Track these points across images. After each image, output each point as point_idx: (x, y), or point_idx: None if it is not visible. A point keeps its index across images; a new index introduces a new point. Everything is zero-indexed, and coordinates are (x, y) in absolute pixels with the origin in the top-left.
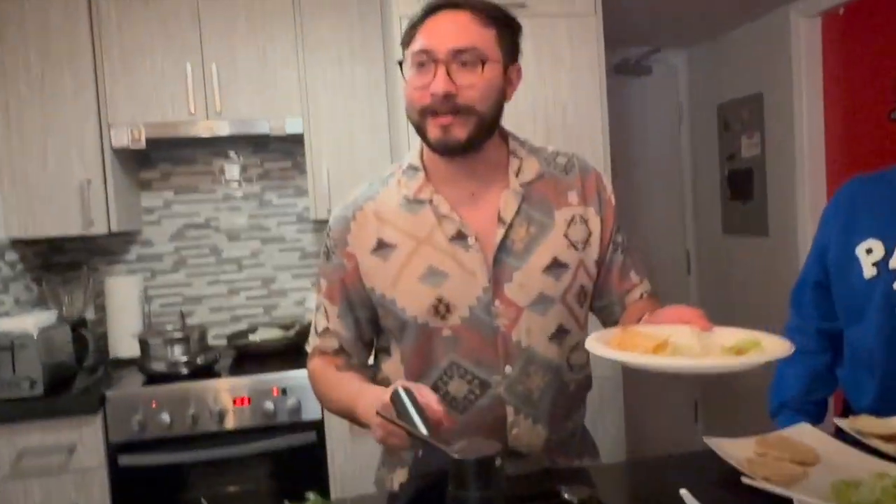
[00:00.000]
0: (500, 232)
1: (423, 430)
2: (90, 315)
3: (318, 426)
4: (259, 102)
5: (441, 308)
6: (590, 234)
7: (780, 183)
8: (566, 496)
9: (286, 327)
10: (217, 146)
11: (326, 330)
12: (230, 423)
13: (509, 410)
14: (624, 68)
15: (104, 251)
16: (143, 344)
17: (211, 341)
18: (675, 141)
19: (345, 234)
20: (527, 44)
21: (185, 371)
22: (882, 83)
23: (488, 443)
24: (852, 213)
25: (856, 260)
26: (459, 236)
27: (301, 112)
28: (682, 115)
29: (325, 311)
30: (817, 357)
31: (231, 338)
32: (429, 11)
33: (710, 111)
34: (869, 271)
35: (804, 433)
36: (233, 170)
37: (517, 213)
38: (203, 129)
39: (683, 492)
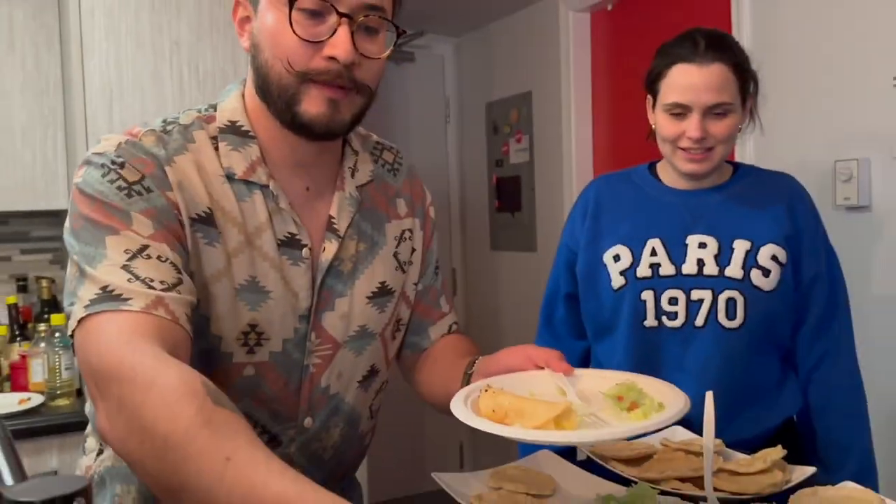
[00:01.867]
0: (333, 246)
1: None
2: None
3: None
4: None
5: (252, 337)
6: (413, 252)
7: (549, 192)
8: None
9: None
10: None
11: (178, 284)
12: None
13: None
14: None
15: None
16: None
17: None
18: (441, 143)
19: (160, 173)
20: None
21: None
22: (639, 105)
23: (75, 478)
24: (598, 215)
25: (603, 269)
26: (292, 243)
27: None
28: (448, 114)
29: (161, 259)
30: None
31: None
32: None
33: (478, 110)
34: (616, 282)
35: (544, 461)
36: None
37: (349, 223)
38: None
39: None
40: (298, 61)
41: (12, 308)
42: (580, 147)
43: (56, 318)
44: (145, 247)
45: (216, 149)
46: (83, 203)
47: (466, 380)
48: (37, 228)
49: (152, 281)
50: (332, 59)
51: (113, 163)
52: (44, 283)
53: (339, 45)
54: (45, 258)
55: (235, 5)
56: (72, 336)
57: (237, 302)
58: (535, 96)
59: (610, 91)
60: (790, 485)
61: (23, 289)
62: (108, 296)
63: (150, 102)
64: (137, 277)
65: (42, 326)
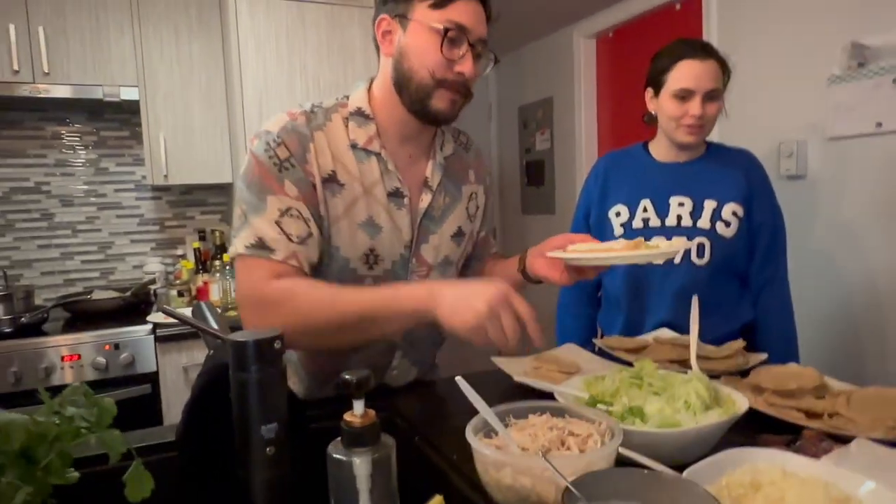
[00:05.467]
0: (428, 198)
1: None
2: None
3: (152, 378)
4: (92, 69)
5: (371, 258)
6: (477, 209)
7: (564, 171)
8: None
9: (123, 290)
10: (48, 111)
11: (308, 237)
12: (58, 380)
13: (397, 354)
14: None
15: None
16: None
17: (41, 302)
18: (486, 135)
19: (304, 151)
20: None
21: (8, 329)
22: (639, 91)
23: (271, 329)
24: (606, 182)
25: (608, 221)
26: (397, 194)
27: (137, 81)
28: (491, 114)
29: (301, 217)
30: (588, 308)
31: (62, 298)
32: None
33: (512, 111)
34: (617, 231)
35: (570, 351)
36: (66, 135)
37: (439, 182)
38: (35, 90)
39: (458, 378)
40: (439, 72)
41: (196, 251)
42: (588, 137)
43: (225, 258)
44: (290, 207)
45: (346, 126)
46: (254, 165)
47: (522, 263)
48: (210, 196)
49: (292, 235)
50: (460, 73)
51: (273, 141)
52: (216, 234)
53: (467, 65)
54: (216, 217)
55: (380, 21)
56: (231, 260)
57: (359, 233)
58: (556, 101)
59: (610, 95)
60: (749, 366)
61: (202, 238)
62: (261, 245)
63: (287, 107)
64: (283, 232)
65: (216, 263)
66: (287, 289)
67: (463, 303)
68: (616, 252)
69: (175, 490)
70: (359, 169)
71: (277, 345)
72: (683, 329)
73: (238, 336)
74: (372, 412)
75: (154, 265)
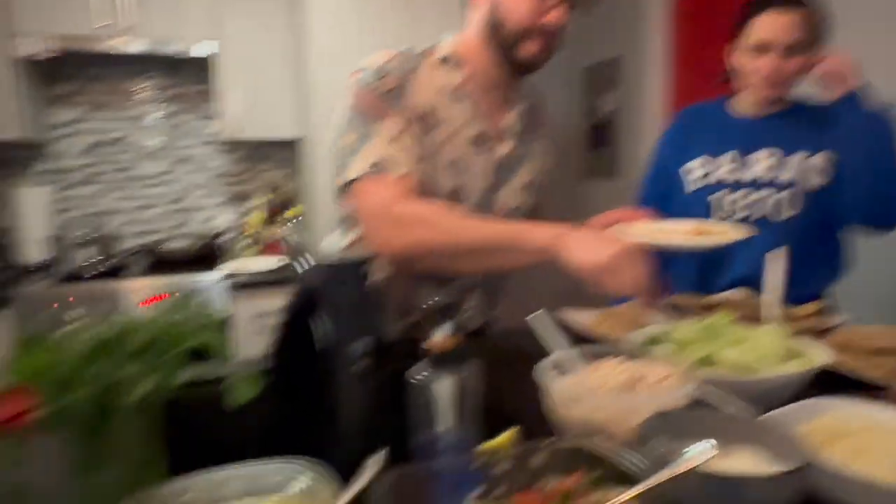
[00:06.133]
0: (507, 146)
1: None
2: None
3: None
4: (172, 23)
5: (454, 197)
6: (543, 164)
7: (629, 134)
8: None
9: (197, 240)
10: (129, 66)
11: (418, 162)
12: None
13: (475, 294)
14: None
15: (12, 161)
16: (53, 246)
17: (122, 250)
18: (548, 97)
19: (404, 86)
20: None
21: (95, 272)
22: (720, 48)
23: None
24: (686, 135)
25: (685, 175)
26: (481, 139)
27: (214, 35)
28: (555, 75)
29: (410, 142)
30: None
31: (141, 247)
32: None
33: (576, 72)
34: (693, 186)
35: (636, 307)
36: (145, 90)
37: (518, 132)
38: (113, 45)
39: (539, 314)
40: (530, 19)
41: (265, 204)
42: (658, 99)
43: (290, 212)
44: (399, 134)
45: (437, 70)
46: (360, 96)
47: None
48: (279, 152)
49: (404, 159)
50: (551, 21)
51: (378, 74)
52: (283, 189)
53: (558, 13)
54: (284, 173)
55: None
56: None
57: (444, 174)
58: (624, 60)
59: (687, 54)
60: (827, 326)
61: (273, 191)
62: (380, 165)
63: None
64: (398, 152)
65: (284, 216)
66: (419, 211)
67: (592, 245)
68: (679, 239)
69: (265, 410)
70: (448, 111)
71: (368, 267)
72: (760, 287)
73: (331, 258)
74: (456, 337)
75: (225, 218)
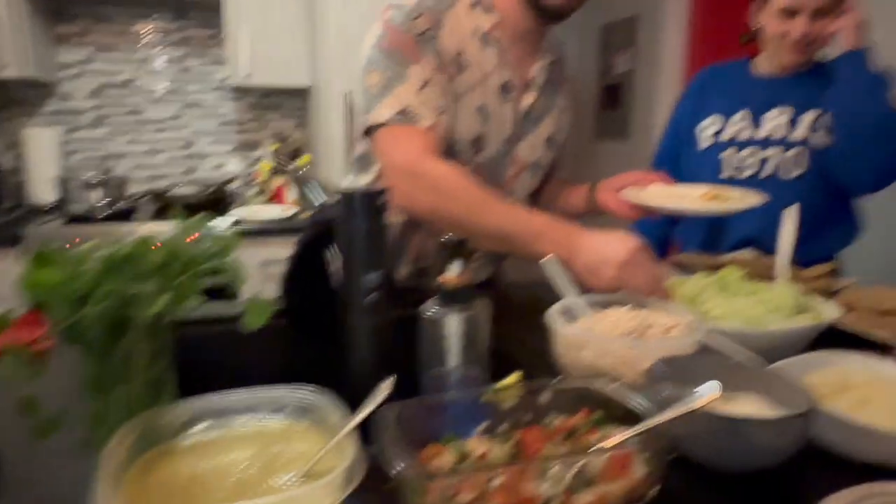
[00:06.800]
0: (531, 97)
1: None
2: (8, 163)
3: None
4: None
5: (478, 143)
6: (566, 122)
7: (643, 95)
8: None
9: (206, 187)
10: (136, 6)
11: (446, 109)
12: None
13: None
14: None
15: (21, 101)
16: (62, 188)
17: (131, 193)
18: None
19: (438, 26)
20: None
21: (104, 214)
22: (738, 13)
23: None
24: (702, 95)
25: (699, 134)
26: (507, 87)
27: None
28: (569, 34)
29: (440, 88)
30: (663, 221)
31: (151, 191)
32: None
33: (592, 31)
34: (704, 144)
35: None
36: (153, 32)
37: (542, 84)
38: None
39: (549, 258)
40: None
41: (273, 153)
42: (674, 60)
43: (299, 162)
44: (431, 77)
45: (468, 13)
46: (392, 34)
47: (591, 194)
48: (288, 101)
49: (435, 105)
50: None
51: (413, 12)
52: (292, 138)
53: None
54: (293, 122)
55: None
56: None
57: (471, 118)
58: (642, 19)
59: (705, 13)
60: (836, 287)
61: (280, 141)
62: (407, 114)
63: (369, 12)
64: (427, 101)
65: (291, 166)
66: (443, 177)
67: (596, 268)
68: (690, 204)
69: (278, 343)
70: (477, 56)
71: (384, 199)
72: (768, 248)
73: (347, 188)
74: (468, 273)
75: (233, 165)
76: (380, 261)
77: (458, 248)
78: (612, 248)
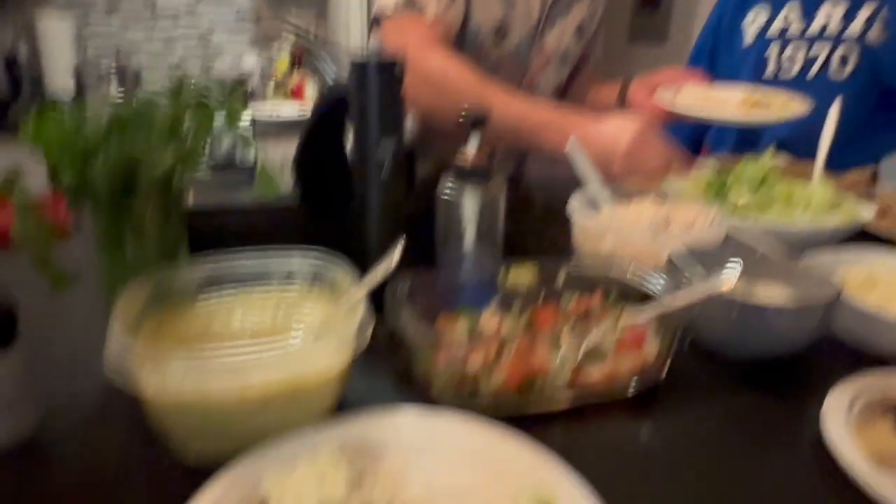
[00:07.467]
0: None
1: None
2: (24, 55)
3: (250, 168)
4: None
5: (501, 30)
6: (596, 13)
7: None
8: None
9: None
10: None
11: (453, 1)
12: None
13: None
14: None
15: None
16: (79, 78)
17: (148, 86)
18: None
19: None
20: None
21: None
22: None
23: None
24: None
25: (741, 30)
26: None
27: None
28: None
29: None
30: (700, 128)
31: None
32: None
33: None
34: (749, 40)
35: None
36: None
37: None
38: None
39: (572, 140)
40: None
41: (292, 48)
42: None
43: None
44: None
45: None
46: None
47: (624, 91)
48: None
49: None
50: None
51: None
52: (310, 33)
53: None
54: (312, 13)
55: None
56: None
57: (492, 3)
58: None
59: None
60: (872, 193)
61: (298, 35)
62: (412, 2)
63: None
64: None
65: (310, 61)
66: (440, 68)
67: (604, 158)
68: (727, 113)
69: (292, 220)
70: None
71: (397, 69)
72: (801, 153)
73: (359, 56)
74: (485, 151)
75: (251, 60)
76: (394, 128)
77: (478, 122)
78: (613, 137)
